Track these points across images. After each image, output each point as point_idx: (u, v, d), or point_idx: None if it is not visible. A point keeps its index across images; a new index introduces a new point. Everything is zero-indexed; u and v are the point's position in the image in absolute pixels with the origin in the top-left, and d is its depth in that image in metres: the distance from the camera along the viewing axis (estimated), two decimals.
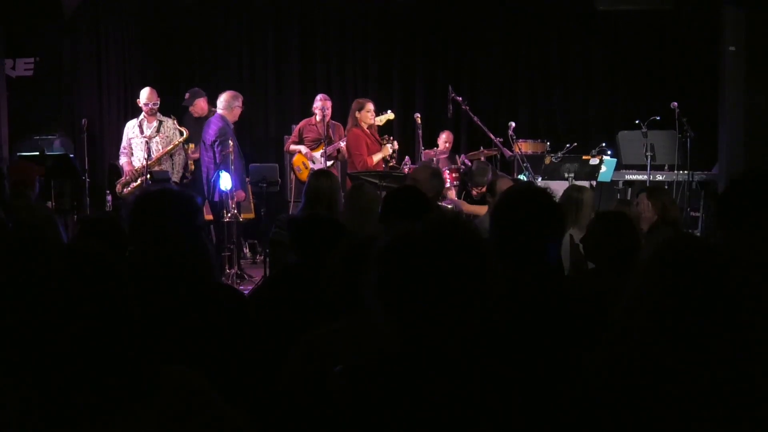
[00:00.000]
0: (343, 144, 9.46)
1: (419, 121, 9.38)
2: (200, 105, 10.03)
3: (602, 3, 8.78)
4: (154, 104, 9.28)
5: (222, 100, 9.16)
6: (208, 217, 9.00)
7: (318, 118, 9.42)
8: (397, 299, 2.04)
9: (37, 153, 8.43)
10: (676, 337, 2.12)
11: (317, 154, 9.42)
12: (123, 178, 9.25)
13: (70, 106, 9.63)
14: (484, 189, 7.90)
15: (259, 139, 11.65)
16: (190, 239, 3.01)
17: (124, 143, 9.37)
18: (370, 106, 9.07)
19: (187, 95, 10.04)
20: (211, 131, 8.92)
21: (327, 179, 5.62)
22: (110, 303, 1.86)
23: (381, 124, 9.36)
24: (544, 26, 11.57)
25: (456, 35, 11.72)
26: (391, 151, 9.11)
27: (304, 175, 9.56)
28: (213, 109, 9.97)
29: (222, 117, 9.04)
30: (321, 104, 9.45)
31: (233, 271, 8.76)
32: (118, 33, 11.18)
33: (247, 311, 3.10)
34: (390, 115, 9.43)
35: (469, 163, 10.03)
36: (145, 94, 9.32)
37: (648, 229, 5.51)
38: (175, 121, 9.55)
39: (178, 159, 9.43)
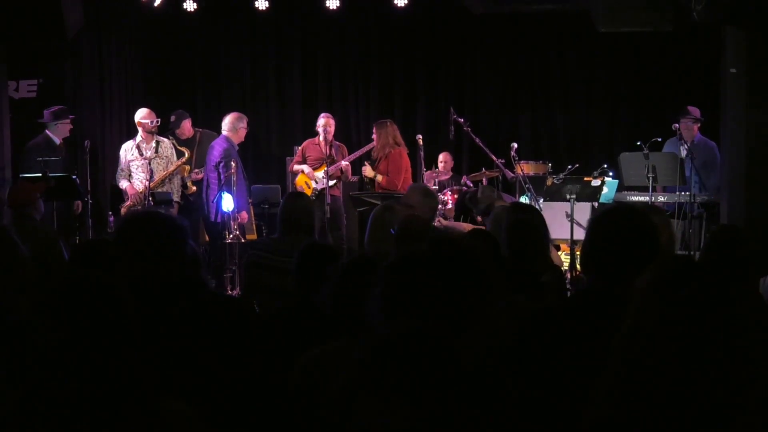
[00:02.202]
0: (345, 163, 9.48)
1: (421, 143, 9.40)
2: (186, 127, 10.01)
3: (604, 24, 8.77)
4: (156, 121, 9.31)
5: (227, 122, 9.20)
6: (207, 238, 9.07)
7: (321, 137, 9.44)
8: (401, 315, 2.10)
9: (40, 174, 8.36)
10: (672, 362, 2.13)
11: (319, 174, 9.43)
12: (129, 201, 9.25)
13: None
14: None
15: (262, 161, 11.65)
16: (177, 261, 3.05)
17: (121, 165, 9.39)
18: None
19: (173, 118, 10.00)
20: (215, 153, 8.96)
21: (302, 200, 5.60)
22: (110, 335, 1.91)
23: (371, 176, 9.42)
24: (545, 47, 11.59)
25: (457, 56, 11.76)
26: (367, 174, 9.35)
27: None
28: (197, 129, 10.02)
29: (227, 138, 9.09)
30: (324, 122, 9.47)
31: (235, 292, 8.74)
32: (121, 54, 11.21)
33: (247, 321, 3.13)
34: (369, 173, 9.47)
35: (471, 185, 10.03)
36: (144, 113, 9.33)
37: None
38: (174, 141, 9.57)
39: (177, 179, 9.46)
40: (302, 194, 6.33)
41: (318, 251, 3.82)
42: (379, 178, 9.11)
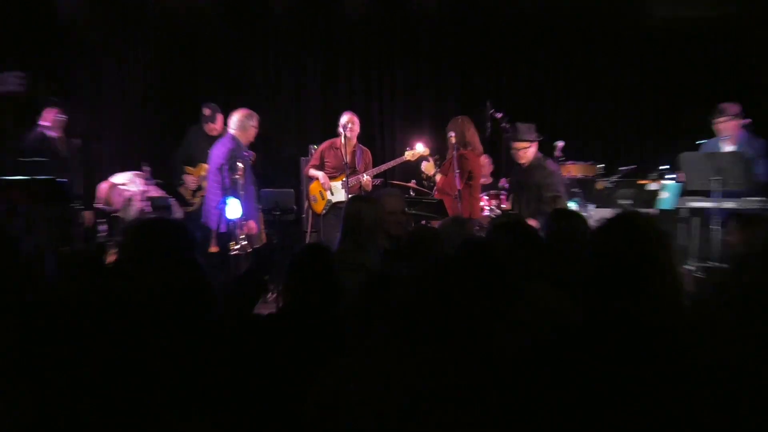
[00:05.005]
0: (366, 178, 8.47)
1: (454, 141, 8.31)
2: (220, 122, 9.25)
3: (660, 11, 8.04)
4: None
5: (234, 119, 8.28)
6: (214, 249, 8.24)
7: (343, 139, 8.45)
8: (431, 320, 2.43)
9: (24, 177, 7.88)
10: None
11: (338, 183, 8.48)
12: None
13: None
14: (526, 145, 7.87)
15: (275, 162, 10.94)
16: (185, 268, 3.23)
17: None
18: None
19: (208, 111, 9.34)
20: (219, 153, 8.04)
21: (371, 207, 5.39)
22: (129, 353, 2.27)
23: (413, 159, 8.50)
24: (594, 36, 10.95)
25: (492, 46, 11.15)
26: (425, 171, 8.30)
27: (319, 207, 8.68)
28: (225, 127, 9.25)
29: (233, 138, 8.18)
30: (347, 119, 8.54)
31: None
32: (136, 53, 11.00)
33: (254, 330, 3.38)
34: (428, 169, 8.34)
35: (507, 186, 9.17)
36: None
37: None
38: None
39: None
40: (373, 200, 5.83)
41: (312, 255, 3.84)
42: (438, 177, 8.10)
